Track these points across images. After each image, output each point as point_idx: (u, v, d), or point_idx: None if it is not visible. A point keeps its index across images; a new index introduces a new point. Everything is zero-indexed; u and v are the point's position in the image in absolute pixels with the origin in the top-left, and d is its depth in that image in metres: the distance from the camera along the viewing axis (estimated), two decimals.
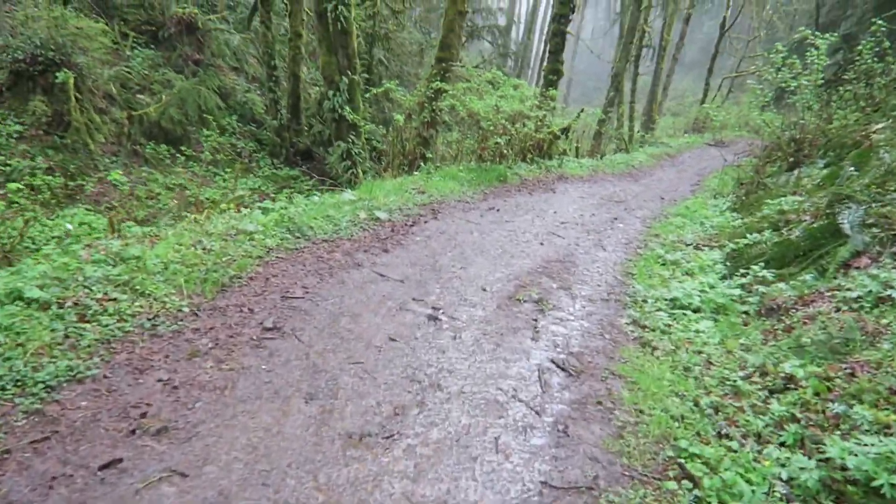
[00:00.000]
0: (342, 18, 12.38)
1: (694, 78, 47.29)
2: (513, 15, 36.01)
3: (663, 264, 7.32)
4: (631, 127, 23.22)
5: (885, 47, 13.07)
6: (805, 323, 5.09)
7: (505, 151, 11.64)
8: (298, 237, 5.95)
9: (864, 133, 11.86)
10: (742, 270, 6.67)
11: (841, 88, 14.92)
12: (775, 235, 7.40)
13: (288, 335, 4.04)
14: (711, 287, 6.38)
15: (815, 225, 6.75)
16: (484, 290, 5.47)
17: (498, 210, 8.90)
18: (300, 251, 5.68)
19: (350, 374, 3.67)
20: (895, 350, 4.20)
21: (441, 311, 4.82)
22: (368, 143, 14.35)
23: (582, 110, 15.51)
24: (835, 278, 5.75)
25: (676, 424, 3.62)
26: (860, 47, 13.14)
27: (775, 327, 5.24)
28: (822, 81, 13.60)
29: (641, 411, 3.74)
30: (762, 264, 6.72)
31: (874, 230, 6.11)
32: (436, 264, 5.96)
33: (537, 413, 3.56)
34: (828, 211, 7.24)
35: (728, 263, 7.41)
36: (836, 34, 13.30)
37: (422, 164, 10.05)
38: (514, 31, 37.43)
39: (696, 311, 5.74)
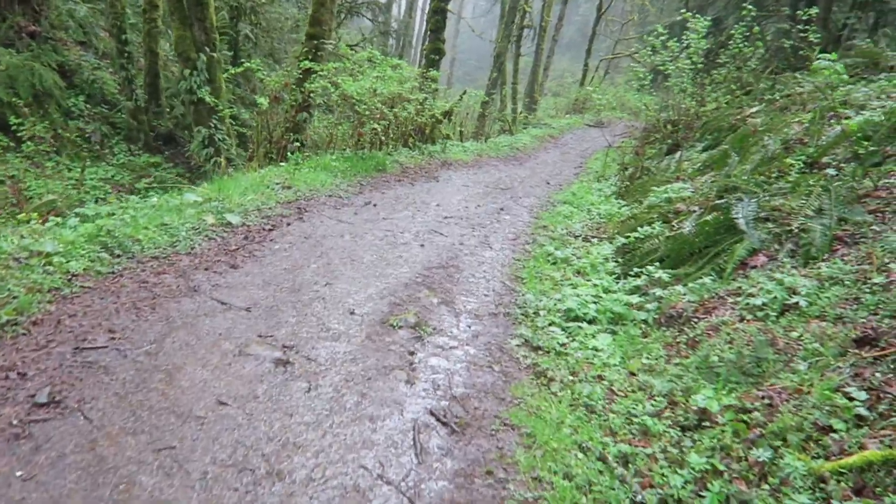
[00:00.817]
0: None
1: (572, 59, 47.97)
2: None
3: (553, 263, 6.65)
4: (514, 108, 22.80)
5: (755, 31, 13.13)
6: (709, 335, 4.52)
7: (383, 138, 10.64)
8: (118, 256, 4.70)
9: (739, 116, 11.82)
10: (636, 269, 6.10)
11: (713, 72, 15.00)
12: (666, 228, 6.91)
13: (71, 412, 2.90)
14: (606, 291, 5.76)
15: (708, 218, 6.27)
16: (352, 313, 4.51)
17: (375, 205, 7.93)
18: (117, 276, 4.46)
19: (152, 470, 2.61)
20: (813, 372, 3.66)
21: (294, 350, 3.82)
22: (236, 129, 12.88)
23: (465, 92, 14.74)
24: (733, 279, 5.24)
25: (583, 499, 2.84)
26: (732, 31, 13.14)
27: (678, 339, 4.65)
28: (702, 64, 13.54)
29: (540, 480, 2.95)
30: (656, 263, 6.19)
31: (769, 225, 5.67)
32: (295, 282, 4.93)
33: (411, 501, 2.67)
34: (717, 202, 6.82)
35: (620, 260, 6.85)
36: (707, 18, 13.22)
37: (290, 153, 8.87)
38: (395, 9, 36.18)
39: (591, 322, 5.06)
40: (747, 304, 4.57)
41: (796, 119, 9.44)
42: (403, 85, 10.99)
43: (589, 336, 4.73)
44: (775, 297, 4.44)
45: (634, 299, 5.28)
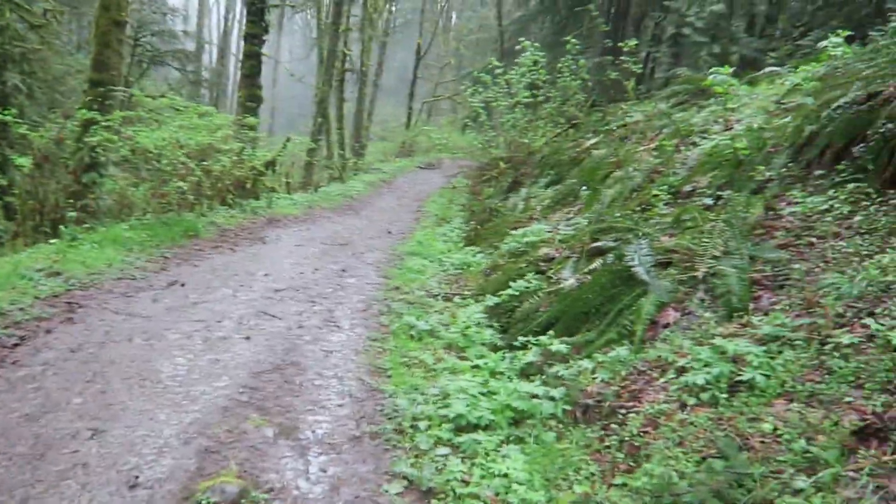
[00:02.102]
0: None
1: (395, 104, 47.79)
2: (202, 38, 32.14)
3: (418, 339, 5.26)
4: (343, 154, 21.45)
5: (580, 64, 12.93)
6: (648, 434, 3.36)
7: (192, 197, 8.73)
8: None
9: (579, 149, 11.37)
10: (521, 339, 4.89)
11: (541, 106, 14.69)
12: (543, 281, 5.81)
13: None
14: (494, 374, 4.46)
15: (594, 266, 5.25)
16: (133, 486, 2.78)
17: (183, 285, 6.08)
18: None
19: None
20: (825, 493, 2.57)
21: None
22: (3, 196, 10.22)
23: (288, 139, 13.12)
24: (648, 346, 4.19)
25: None
26: (559, 65, 12.86)
27: (607, 443, 3.43)
28: (531, 97, 13.08)
29: None
30: (544, 328, 5.03)
31: (671, 271, 4.73)
32: (39, 439, 3.08)
33: None
34: (594, 244, 5.87)
35: (496, 325, 5.63)
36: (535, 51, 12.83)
37: (63, 226, 6.74)
38: (205, 57, 33.59)
39: (487, 428, 3.72)
40: (684, 382, 3.48)
41: (639, 149, 8.99)
42: (215, 134, 9.20)
43: (493, 455, 3.36)
44: (720, 372, 3.38)
45: (533, 386, 4.02)
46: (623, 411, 3.62)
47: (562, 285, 5.42)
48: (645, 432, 3.38)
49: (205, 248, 7.74)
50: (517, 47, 14.94)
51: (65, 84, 14.82)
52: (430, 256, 9.10)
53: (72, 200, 7.84)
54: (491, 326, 5.58)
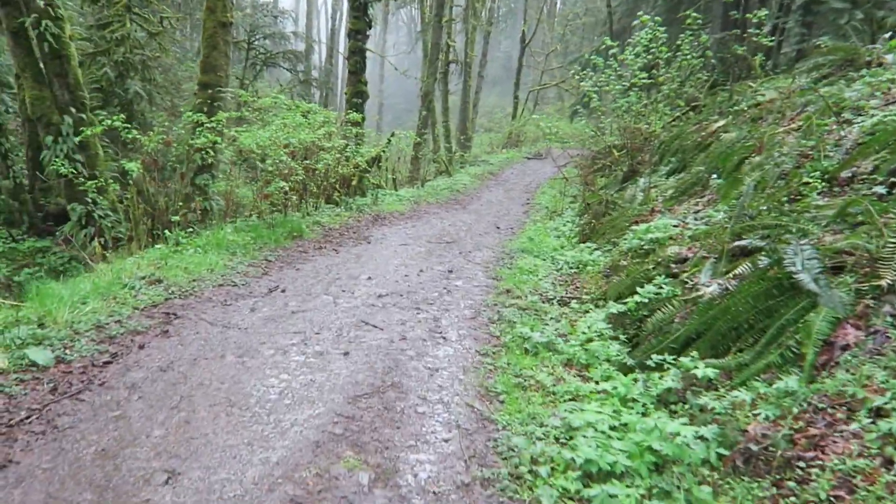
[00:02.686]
0: (50, 37, 8.61)
1: (499, 94, 47.04)
2: (311, 38, 32.81)
3: (534, 354, 4.61)
4: (448, 147, 21.03)
5: (702, 40, 11.66)
6: (842, 501, 2.55)
7: (296, 197, 8.50)
8: None
9: (704, 133, 10.21)
10: (655, 357, 4.12)
11: (658, 88, 13.46)
12: (677, 286, 4.98)
13: None
14: (625, 402, 3.74)
15: (743, 271, 4.37)
16: None
17: (283, 291, 5.76)
18: None
19: None
20: None
21: None
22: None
23: (392, 134, 12.79)
24: (818, 374, 3.32)
25: None
26: (679, 42, 11.66)
27: None
28: (648, 80, 11.98)
29: None
30: (680, 342, 4.23)
31: (845, 278, 3.79)
32: (111, 482, 2.71)
33: None
34: (738, 243, 4.96)
35: (623, 337, 4.87)
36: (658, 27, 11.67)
37: (167, 231, 6.63)
38: (315, 57, 34.31)
39: (622, 476, 3.02)
40: (886, 430, 2.62)
41: (778, 130, 7.81)
42: (318, 131, 8.93)
43: None
44: None
45: (678, 423, 3.25)
46: (801, 464, 2.81)
47: (701, 293, 4.57)
48: (838, 497, 2.57)
49: (308, 249, 7.45)
50: (634, 23, 13.81)
51: (184, 89, 15.28)
52: (542, 254, 8.40)
53: (181, 204, 7.80)
54: (616, 339, 4.83)
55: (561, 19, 38.29)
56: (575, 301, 6.09)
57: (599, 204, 9.45)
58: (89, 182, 7.67)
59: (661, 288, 5.00)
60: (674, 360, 4.01)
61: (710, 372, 3.63)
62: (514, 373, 4.25)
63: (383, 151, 11.75)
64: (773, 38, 14.32)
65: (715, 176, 7.78)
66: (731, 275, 4.54)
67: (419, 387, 3.93)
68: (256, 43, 22.75)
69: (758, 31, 11.43)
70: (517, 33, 37.10)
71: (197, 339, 4.39)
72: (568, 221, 11.13)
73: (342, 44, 33.53)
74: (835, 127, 6.78)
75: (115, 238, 9.15)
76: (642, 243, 6.75)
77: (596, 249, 8.04)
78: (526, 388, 4.01)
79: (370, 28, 15.24)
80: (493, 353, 4.64)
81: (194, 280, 5.65)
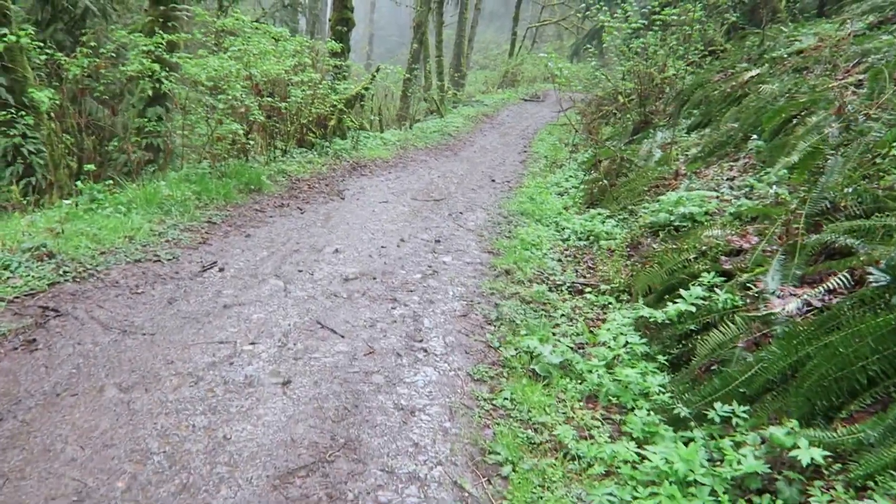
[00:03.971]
0: None
1: (496, 30, 44.43)
2: None
3: (545, 383, 3.34)
4: (441, 85, 19.26)
5: None
6: None
7: (253, 141, 7.00)
8: None
9: (735, 83, 8.71)
10: (721, 409, 2.85)
11: (664, 34, 11.73)
12: (734, 291, 3.66)
13: None
14: (685, 484, 2.49)
15: (859, 295, 3.06)
16: None
17: (221, 270, 4.39)
18: None
19: None
20: None
21: None
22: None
23: (378, 69, 11.14)
24: None
25: None
26: None
27: None
28: (668, 17, 10.34)
29: None
30: (758, 388, 2.95)
31: None
32: None
33: None
34: (820, 239, 3.63)
35: (662, 358, 3.58)
36: None
37: (79, 181, 5.16)
38: None
39: None
40: None
41: (832, 84, 6.39)
42: (286, 62, 7.34)
43: None
44: None
45: None
46: None
47: (774, 308, 3.26)
48: None
49: (266, 207, 6.04)
50: None
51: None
52: (544, 218, 7.07)
53: (119, 142, 6.28)
54: (652, 359, 3.56)
55: None
56: (591, 290, 4.79)
57: (612, 161, 8.03)
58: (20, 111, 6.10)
59: (714, 292, 3.69)
60: (747, 414, 2.76)
61: (816, 454, 2.35)
62: (520, 417, 2.98)
63: (367, 88, 10.14)
64: None
65: (755, 137, 6.40)
66: (819, 288, 3.24)
67: (385, 448, 2.64)
68: None
69: None
70: None
71: (74, 354, 3.04)
72: (570, 176, 9.74)
73: None
74: None
75: (51, 182, 7.65)
76: (671, 218, 5.43)
77: (609, 217, 6.71)
78: (538, 451, 2.74)
79: None
80: (491, 378, 3.35)
81: (103, 253, 4.26)
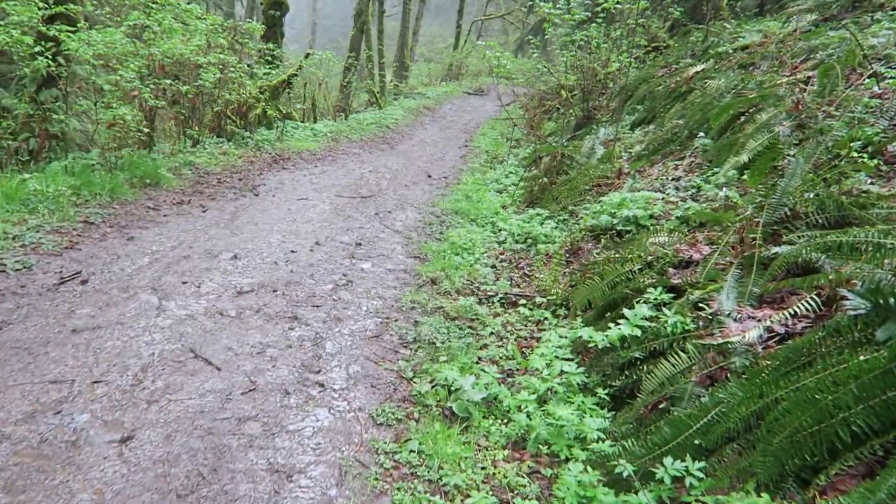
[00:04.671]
0: None
1: (441, 24, 43.72)
2: None
3: (462, 427, 2.74)
4: (382, 76, 18.49)
5: None
6: None
7: (145, 130, 6.15)
8: None
9: (679, 78, 8.31)
10: (671, 466, 2.29)
11: (608, 28, 11.29)
12: (685, 313, 3.13)
13: None
14: None
15: (844, 326, 2.54)
16: None
17: (85, 282, 3.62)
18: None
19: None
20: None
21: None
22: None
23: (307, 55, 10.30)
24: None
25: None
26: None
27: None
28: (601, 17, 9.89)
29: None
30: (716, 440, 2.41)
31: None
32: None
33: None
34: (782, 252, 3.14)
35: (601, 392, 3.02)
36: None
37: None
38: None
39: None
40: None
41: (779, 80, 6.01)
42: (194, 41, 6.50)
43: None
44: None
45: None
46: None
47: (731, 336, 2.75)
48: None
49: (162, 204, 5.24)
50: None
51: None
52: (480, 217, 6.50)
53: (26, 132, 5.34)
54: (592, 392, 3.00)
55: None
56: (525, 302, 4.22)
57: (553, 158, 7.50)
58: None
59: (661, 312, 3.16)
60: (703, 472, 2.21)
61: None
62: (428, 476, 2.36)
63: (294, 75, 9.32)
64: None
65: (702, 135, 5.96)
66: (783, 313, 2.73)
67: None
68: None
69: None
70: None
71: None
72: (511, 172, 9.22)
73: None
74: (865, 81, 5.03)
75: None
76: (614, 221, 4.92)
77: (549, 218, 6.18)
78: None
79: None
80: (398, 421, 2.72)
81: None
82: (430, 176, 8.84)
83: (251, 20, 21.08)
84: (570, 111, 11.38)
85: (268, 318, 3.50)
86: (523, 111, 14.42)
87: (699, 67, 7.98)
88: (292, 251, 4.66)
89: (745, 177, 4.61)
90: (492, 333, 3.73)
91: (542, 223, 6.04)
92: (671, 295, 3.31)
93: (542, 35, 13.42)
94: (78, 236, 4.25)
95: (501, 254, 5.57)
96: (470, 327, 3.76)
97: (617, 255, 4.09)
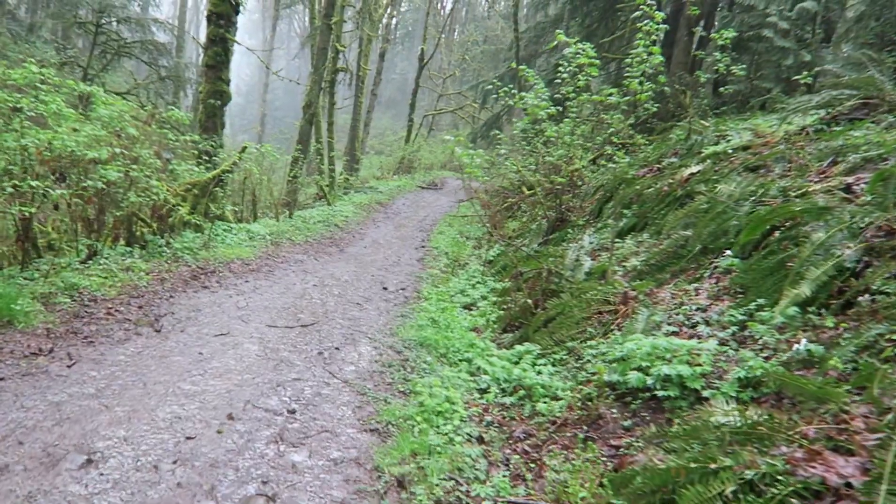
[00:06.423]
0: None
1: (392, 117, 43.67)
2: (184, 31, 27.59)
3: None
4: (331, 169, 17.32)
5: (661, 81, 8.78)
6: None
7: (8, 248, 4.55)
8: None
9: (673, 180, 7.26)
10: None
11: (574, 123, 10.41)
12: None
13: None
14: None
15: None
16: None
17: None
18: None
19: None
20: None
21: None
22: None
23: (244, 148, 8.95)
24: None
25: None
26: (627, 61, 8.79)
27: None
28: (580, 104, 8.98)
29: None
30: None
31: None
32: None
33: None
34: None
35: None
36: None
37: None
38: (191, 51, 29.22)
39: None
40: None
41: (813, 186, 4.96)
42: (87, 131, 5.03)
43: None
44: None
45: None
46: None
47: None
48: None
49: (7, 357, 3.56)
50: (553, 43, 10.81)
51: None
52: (454, 353, 5.04)
53: None
54: None
55: (460, 45, 35.68)
56: None
57: (537, 274, 6.17)
58: None
59: None
60: None
61: None
62: None
63: (227, 171, 7.89)
64: (710, 76, 11.91)
65: (729, 252, 4.76)
66: None
67: None
68: (107, 27, 17.99)
69: (721, 56, 8.84)
70: (414, 56, 33.94)
71: None
72: (478, 282, 7.87)
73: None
74: None
75: None
76: (647, 380, 3.54)
77: (541, 356, 4.77)
78: None
79: (237, 13, 11.34)
80: None
81: None
82: (385, 288, 7.39)
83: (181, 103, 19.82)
84: (537, 210, 10.28)
85: None
86: (483, 209, 13.33)
87: (694, 169, 6.95)
88: (188, 437, 3.05)
89: (813, 317, 3.38)
90: None
91: (534, 364, 4.63)
92: None
93: (500, 129, 12.56)
94: None
95: (485, 411, 4.08)
96: None
97: (685, 462, 2.64)
